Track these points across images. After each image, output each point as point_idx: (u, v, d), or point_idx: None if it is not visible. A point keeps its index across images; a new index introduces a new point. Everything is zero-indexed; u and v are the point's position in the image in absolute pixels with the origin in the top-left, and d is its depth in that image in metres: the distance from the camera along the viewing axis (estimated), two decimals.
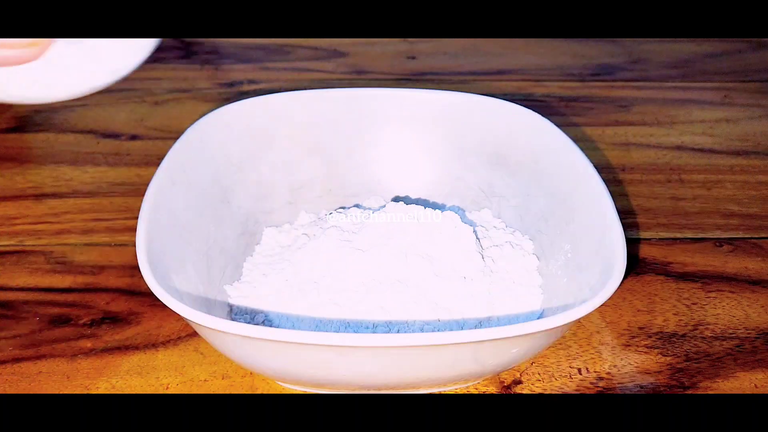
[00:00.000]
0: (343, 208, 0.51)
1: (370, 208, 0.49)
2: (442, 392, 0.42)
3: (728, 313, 0.47)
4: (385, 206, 0.46)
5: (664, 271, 0.51)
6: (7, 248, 0.52)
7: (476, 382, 0.42)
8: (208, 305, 0.41)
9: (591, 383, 0.43)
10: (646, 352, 0.45)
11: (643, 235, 0.54)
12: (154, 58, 0.49)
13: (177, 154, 0.46)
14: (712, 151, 0.63)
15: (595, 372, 0.43)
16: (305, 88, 0.51)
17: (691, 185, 0.59)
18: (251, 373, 0.43)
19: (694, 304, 0.48)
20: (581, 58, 0.76)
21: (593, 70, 0.74)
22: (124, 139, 0.64)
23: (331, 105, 0.52)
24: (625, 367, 0.44)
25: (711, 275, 0.50)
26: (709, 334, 0.46)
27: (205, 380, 0.43)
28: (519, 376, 0.43)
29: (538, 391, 0.42)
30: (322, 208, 0.52)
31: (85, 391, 0.42)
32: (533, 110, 0.50)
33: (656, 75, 0.74)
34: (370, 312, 0.40)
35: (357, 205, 0.52)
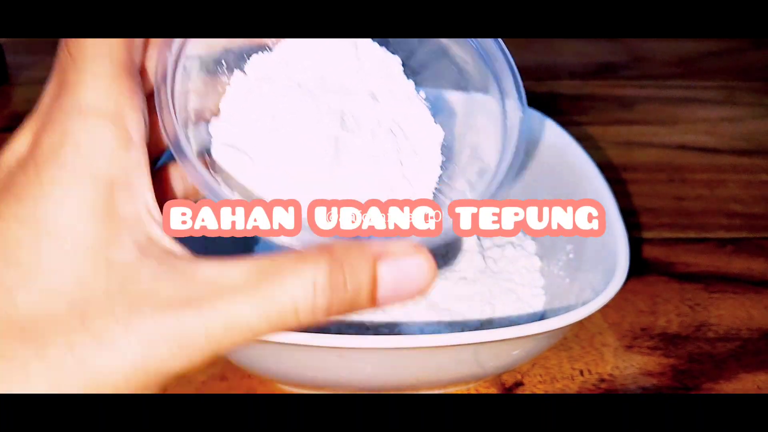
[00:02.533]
0: None
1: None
2: (443, 393, 0.41)
3: (731, 313, 0.47)
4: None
5: (666, 271, 0.50)
6: None
7: (477, 383, 0.42)
8: None
9: (593, 385, 0.42)
10: (648, 354, 0.44)
11: (646, 235, 0.53)
12: None
13: None
14: (714, 150, 0.63)
15: (597, 373, 0.43)
16: None
17: (694, 185, 0.58)
18: (250, 375, 0.42)
19: (697, 305, 0.48)
20: (583, 56, 0.76)
21: (595, 69, 0.74)
22: None
23: None
24: (628, 368, 0.43)
25: (714, 275, 0.50)
26: (712, 336, 0.46)
27: (203, 382, 0.42)
28: (520, 377, 0.43)
29: (539, 392, 0.42)
30: None
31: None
32: (535, 109, 0.49)
33: (658, 74, 0.73)
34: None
35: None
